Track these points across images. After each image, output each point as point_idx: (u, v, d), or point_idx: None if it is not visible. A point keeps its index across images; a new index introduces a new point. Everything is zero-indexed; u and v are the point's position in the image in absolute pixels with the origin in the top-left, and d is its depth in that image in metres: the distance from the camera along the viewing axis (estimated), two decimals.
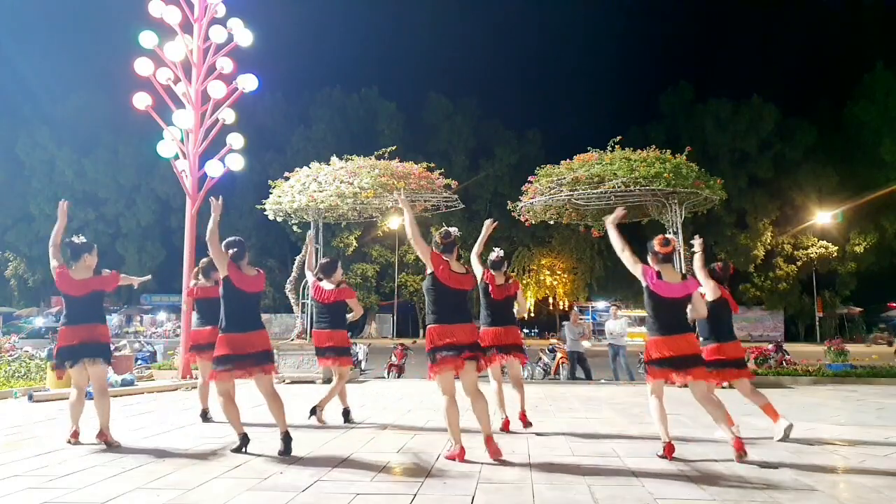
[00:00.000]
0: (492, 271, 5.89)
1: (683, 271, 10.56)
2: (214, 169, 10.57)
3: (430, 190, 11.16)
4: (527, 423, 5.94)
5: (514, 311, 6.07)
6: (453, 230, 4.87)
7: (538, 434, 5.74)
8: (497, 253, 6.09)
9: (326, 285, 6.31)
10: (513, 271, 40.90)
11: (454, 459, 4.54)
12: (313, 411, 6.28)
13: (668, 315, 4.69)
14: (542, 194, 10.97)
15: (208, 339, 6.04)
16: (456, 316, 4.62)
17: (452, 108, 42.46)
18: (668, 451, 4.61)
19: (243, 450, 4.78)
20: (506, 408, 5.92)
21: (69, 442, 5.11)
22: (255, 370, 4.84)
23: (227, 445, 5.04)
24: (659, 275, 4.67)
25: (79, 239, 5.43)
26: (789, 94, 40.14)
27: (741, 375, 5.54)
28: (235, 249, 4.96)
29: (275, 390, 4.96)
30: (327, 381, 10.62)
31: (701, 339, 5.46)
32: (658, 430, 4.69)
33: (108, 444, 5.02)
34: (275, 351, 10.93)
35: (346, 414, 6.44)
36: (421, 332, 36.42)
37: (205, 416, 6.41)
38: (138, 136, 34.40)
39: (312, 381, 10.33)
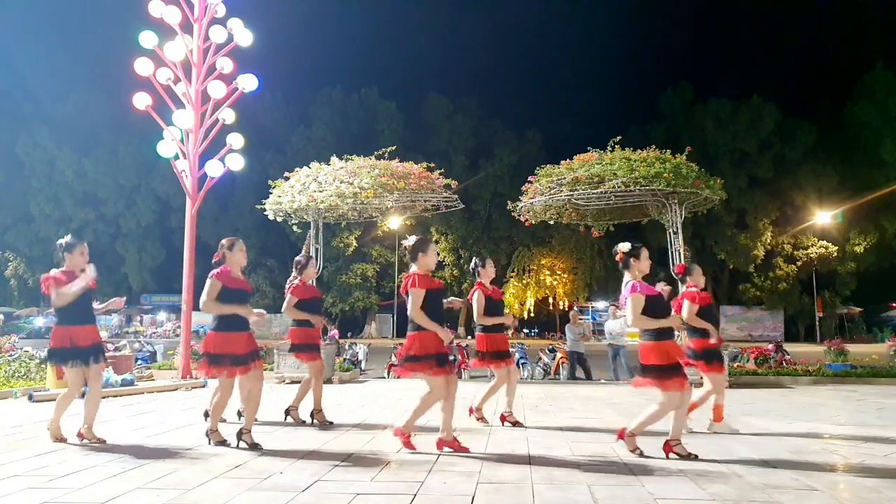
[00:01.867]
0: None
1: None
2: (214, 169, 10.57)
3: (430, 190, 11.14)
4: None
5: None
6: (407, 242, 5.06)
7: (538, 430, 5.74)
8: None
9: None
10: (513, 271, 40.95)
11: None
12: (311, 415, 6.30)
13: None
14: (542, 194, 10.96)
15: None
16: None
17: (452, 108, 42.46)
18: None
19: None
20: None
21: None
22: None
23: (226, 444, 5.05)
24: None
25: (65, 240, 5.43)
26: (789, 94, 40.23)
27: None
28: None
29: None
30: (326, 381, 10.63)
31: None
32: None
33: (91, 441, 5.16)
34: (274, 351, 11.00)
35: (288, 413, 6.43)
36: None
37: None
38: (138, 136, 34.43)
39: None
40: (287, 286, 6.40)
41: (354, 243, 40.21)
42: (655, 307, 4.70)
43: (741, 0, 54.99)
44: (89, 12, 45.47)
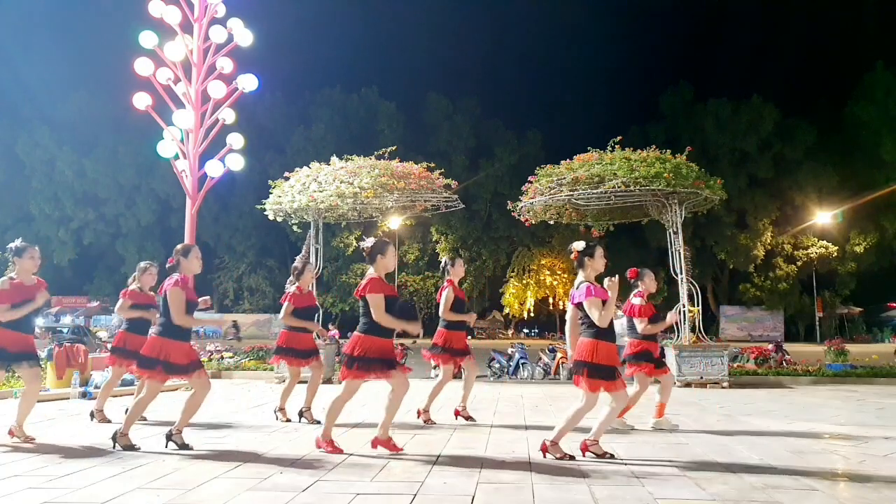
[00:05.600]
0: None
1: (682, 273, 10.60)
2: (214, 169, 10.58)
3: (430, 190, 11.14)
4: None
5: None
6: (365, 243, 5.00)
7: (538, 429, 5.74)
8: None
9: None
10: (513, 271, 40.97)
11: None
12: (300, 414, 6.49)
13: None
14: (542, 194, 10.95)
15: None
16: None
17: (452, 108, 42.47)
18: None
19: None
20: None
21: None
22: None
23: (224, 444, 5.04)
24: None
25: (15, 243, 5.24)
26: (789, 94, 40.20)
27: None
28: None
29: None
30: (326, 381, 10.63)
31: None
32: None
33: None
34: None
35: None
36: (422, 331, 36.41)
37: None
38: (138, 136, 34.40)
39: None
40: (284, 294, 6.54)
41: (354, 243, 40.20)
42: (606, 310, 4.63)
43: (741, 0, 54.98)
44: (89, 12, 45.41)
